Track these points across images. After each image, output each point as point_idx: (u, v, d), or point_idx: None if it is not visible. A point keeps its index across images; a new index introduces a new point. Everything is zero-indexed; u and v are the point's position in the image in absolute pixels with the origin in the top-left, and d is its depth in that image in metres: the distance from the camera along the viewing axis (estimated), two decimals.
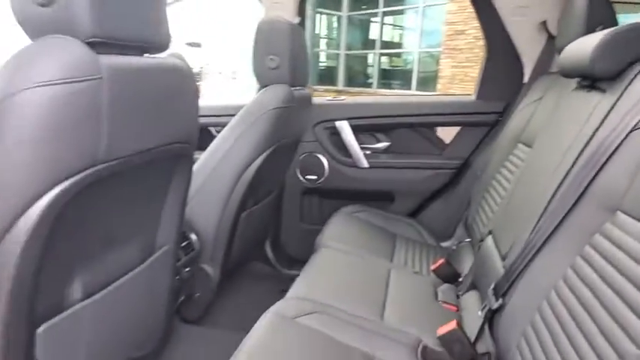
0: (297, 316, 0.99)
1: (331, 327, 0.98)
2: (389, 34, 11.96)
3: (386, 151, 1.95)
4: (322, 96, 2.05)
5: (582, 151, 0.89)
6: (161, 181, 0.97)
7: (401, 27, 11.76)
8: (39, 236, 0.63)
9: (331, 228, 1.57)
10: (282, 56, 1.45)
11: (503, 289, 0.94)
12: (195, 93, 0.92)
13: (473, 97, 1.84)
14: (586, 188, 0.80)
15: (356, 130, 1.90)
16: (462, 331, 0.97)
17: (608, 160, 0.78)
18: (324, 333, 0.96)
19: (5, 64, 0.60)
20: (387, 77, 11.49)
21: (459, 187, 1.84)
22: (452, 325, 0.97)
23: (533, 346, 0.76)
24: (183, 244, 1.33)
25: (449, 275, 1.34)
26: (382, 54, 11.31)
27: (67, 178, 0.63)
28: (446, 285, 1.30)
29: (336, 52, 11.86)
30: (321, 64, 12.57)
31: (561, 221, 0.83)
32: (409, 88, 10.16)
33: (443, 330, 0.97)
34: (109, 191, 0.78)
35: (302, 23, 1.87)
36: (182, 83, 0.88)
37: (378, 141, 1.95)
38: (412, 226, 1.75)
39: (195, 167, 1.33)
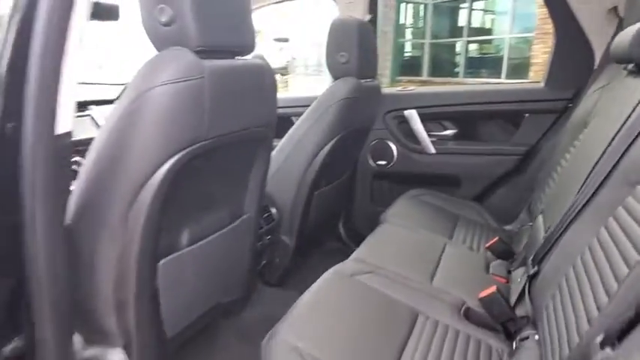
0: (354, 275, 1.16)
1: (383, 285, 1.14)
2: (479, 20, 11.43)
3: (453, 137, 2.04)
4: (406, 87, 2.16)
5: (618, 131, 0.96)
6: (246, 159, 1.20)
7: (492, 11, 11.21)
8: (162, 193, 0.88)
9: (396, 207, 1.71)
10: (351, 52, 1.62)
11: (539, 257, 1.03)
12: (273, 87, 1.13)
13: (542, 85, 1.86)
14: (616, 164, 0.87)
15: (424, 118, 2.00)
16: (501, 295, 1.07)
17: (636, 137, 0.85)
18: (376, 289, 1.12)
19: (142, 68, 0.85)
20: (476, 65, 10.99)
21: (525, 172, 1.88)
22: (492, 289, 1.08)
23: (557, 307, 0.85)
24: (265, 215, 1.57)
25: (503, 252, 1.42)
26: (470, 41, 10.87)
27: (180, 151, 0.87)
28: (499, 261, 1.39)
29: (421, 41, 11.63)
30: (406, 55, 12.38)
31: (593, 194, 0.91)
32: (499, 77, 9.67)
33: (484, 293, 1.09)
34: (207, 164, 1.02)
35: (373, 20, 2.01)
36: (263, 79, 1.09)
37: (445, 129, 2.04)
38: (476, 210, 1.82)
39: (274, 151, 1.55)
